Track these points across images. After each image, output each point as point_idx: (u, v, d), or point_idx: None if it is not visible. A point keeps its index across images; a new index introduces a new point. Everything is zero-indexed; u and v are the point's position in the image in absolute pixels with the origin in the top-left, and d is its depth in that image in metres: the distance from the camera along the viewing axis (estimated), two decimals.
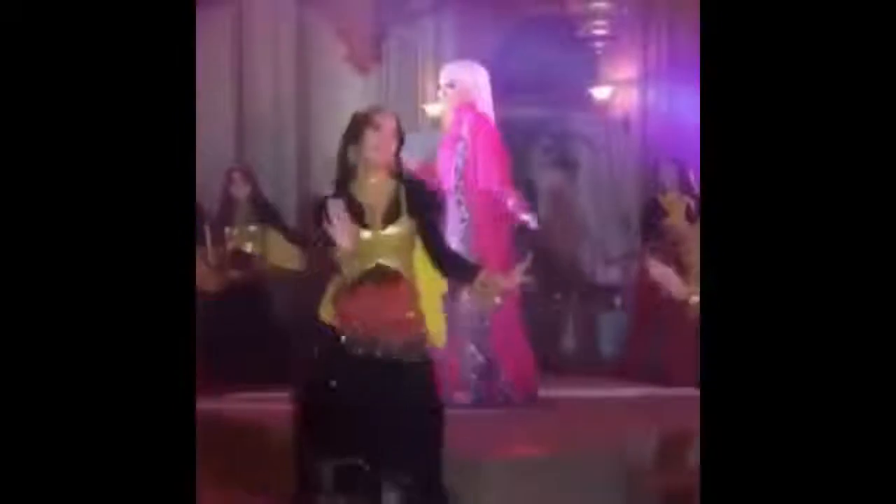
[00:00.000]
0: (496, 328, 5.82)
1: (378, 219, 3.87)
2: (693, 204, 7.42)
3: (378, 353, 3.82)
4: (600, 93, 8.65)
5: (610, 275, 8.16)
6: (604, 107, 8.68)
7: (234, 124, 8.36)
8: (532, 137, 8.74)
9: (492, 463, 4.68)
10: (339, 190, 3.89)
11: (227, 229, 7.25)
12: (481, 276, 3.98)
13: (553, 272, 8.39)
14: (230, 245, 7.24)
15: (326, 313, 3.92)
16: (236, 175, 7.35)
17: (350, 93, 8.37)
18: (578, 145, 8.75)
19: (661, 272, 5.60)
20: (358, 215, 3.84)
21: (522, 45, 8.43)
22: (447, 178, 5.88)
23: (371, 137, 3.85)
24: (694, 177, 7.36)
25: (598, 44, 8.39)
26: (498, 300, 4.14)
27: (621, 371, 7.45)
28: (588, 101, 8.71)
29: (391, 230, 3.88)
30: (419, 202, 3.94)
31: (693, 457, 3.98)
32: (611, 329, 8.47)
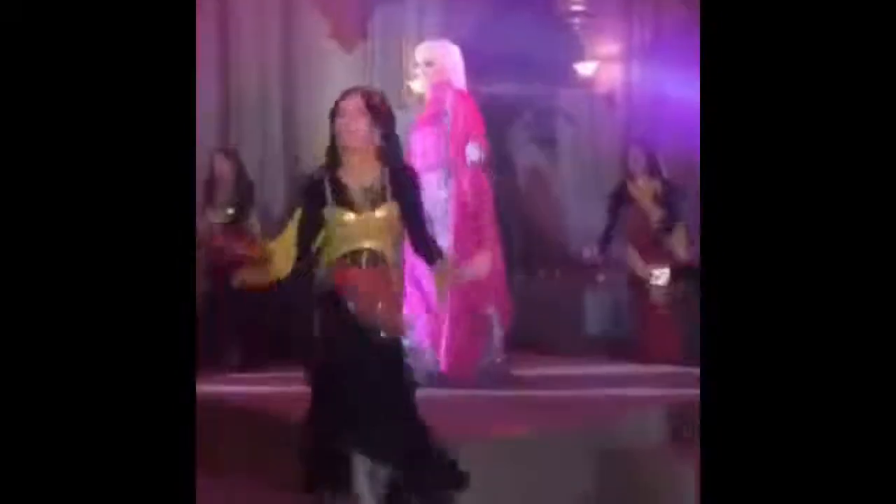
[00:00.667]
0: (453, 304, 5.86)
1: (364, 202, 3.87)
2: (660, 187, 7.46)
3: (369, 333, 3.83)
4: (584, 69, 8.68)
5: (592, 252, 8.18)
6: (587, 83, 8.71)
7: (220, 102, 8.33)
8: (513, 114, 8.76)
9: (468, 444, 4.65)
10: (327, 172, 3.91)
11: (208, 210, 7.22)
12: (441, 263, 4.08)
13: (534, 249, 8.43)
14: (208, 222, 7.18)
15: (323, 283, 3.91)
16: (220, 155, 7.34)
17: (335, 69, 8.38)
18: (560, 122, 8.77)
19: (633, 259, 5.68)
20: (345, 197, 3.86)
21: (506, 22, 8.43)
22: (432, 154, 5.91)
23: (338, 124, 3.87)
24: (662, 159, 7.40)
25: (576, 20, 8.40)
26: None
27: (611, 349, 7.53)
28: (572, 77, 8.73)
29: (377, 214, 3.88)
30: (402, 184, 3.94)
31: (678, 432, 4.02)
32: (594, 307, 8.52)
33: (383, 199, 3.88)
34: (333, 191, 3.87)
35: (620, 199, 7.62)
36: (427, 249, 4.13)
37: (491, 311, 5.99)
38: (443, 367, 5.88)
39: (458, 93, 6.04)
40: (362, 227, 3.86)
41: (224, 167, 7.29)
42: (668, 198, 7.43)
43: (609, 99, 8.65)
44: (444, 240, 5.61)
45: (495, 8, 8.65)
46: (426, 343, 5.92)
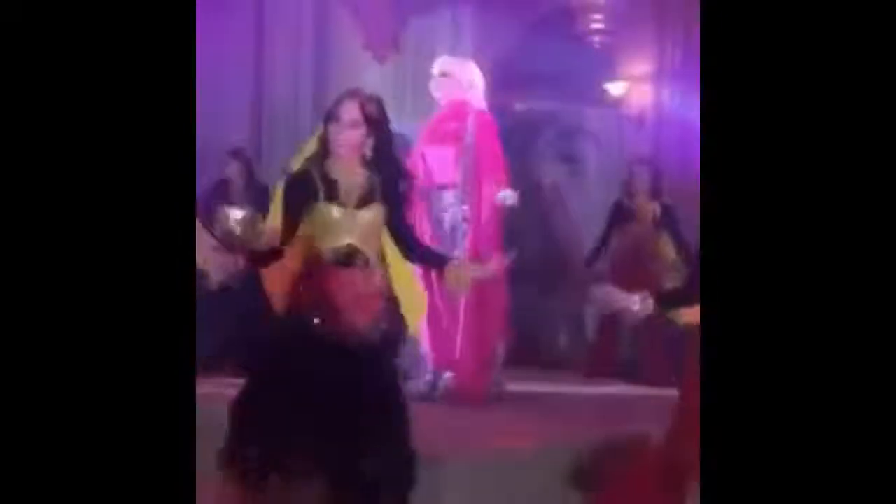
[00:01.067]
0: (465, 321, 5.92)
1: (351, 199, 3.86)
2: (659, 210, 7.40)
3: (346, 336, 3.78)
4: (614, 88, 8.69)
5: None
6: (617, 103, 8.72)
7: (253, 109, 8.43)
8: (541, 131, 8.80)
9: (455, 460, 4.72)
10: (313, 166, 3.88)
11: (218, 210, 7.22)
12: (452, 263, 4.02)
13: (546, 266, 8.43)
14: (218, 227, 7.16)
15: (288, 295, 3.88)
16: (231, 157, 7.39)
17: (368, 80, 8.43)
18: (585, 141, 8.79)
19: (602, 293, 5.72)
20: (331, 192, 3.83)
21: (538, 38, 8.48)
22: (448, 173, 5.93)
23: (332, 128, 3.85)
24: (666, 182, 7.35)
25: (596, 38, 8.41)
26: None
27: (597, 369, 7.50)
28: (601, 96, 8.75)
29: (364, 213, 3.85)
30: (390, 192, 3.92)
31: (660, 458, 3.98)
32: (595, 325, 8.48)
33: (371, 200, 3.86)
34: (324, 186, 3.83)
35: (618, 215, 7.57)
36: (429, 258, 4.15)
37: (498, 332, 6.00)
38: (455, 384, 5.90)
39: (481, 115, 6.06)
40: (348, 223, 3.84)
41: (234, 170, 7.32)
42: (665, 221, 7.35)
43: (639, 119, 8.65)
44: (458, 254, 5.72)
45: (529, 24, 8.69)
46: (437, 359, 5.96)
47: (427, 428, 4.52)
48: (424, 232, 5.85)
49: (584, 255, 7.92)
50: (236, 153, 7.49)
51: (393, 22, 8.58)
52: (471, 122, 5.99)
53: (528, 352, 7.54)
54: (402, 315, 3.98)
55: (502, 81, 8.74)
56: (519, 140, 8.09)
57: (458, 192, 5.95)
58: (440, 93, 6.12)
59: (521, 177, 8.58)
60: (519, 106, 8.85)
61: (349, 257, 3.84)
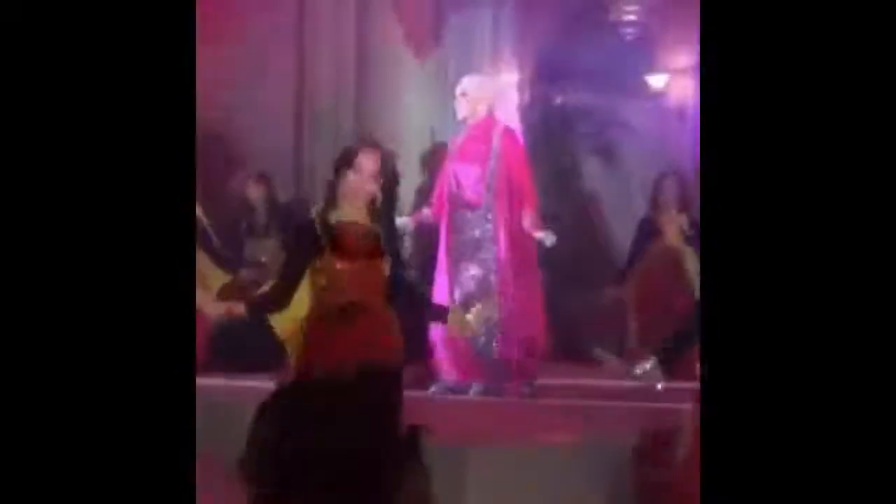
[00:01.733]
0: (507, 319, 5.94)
1: (357, 252, 3.80)
2: (687, 223, 7.18)
3: (346, 384, 3.71)
4: (655, 81, 8.66)
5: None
6: (658, 95, 8.69)
7: (295, 106, 8.49)
8: (579, 124, 8.79)
9: (483, 451, 4.73)
10: (318, 217, 3.83)
11: (244, 238, 7.22)
12: (452, 313, 4.10)
13: (584, 261, 8.40)
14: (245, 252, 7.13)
15: (294, 346, 3.87)
16: (251, 181, 7.38)
17: (409, 75, 8.48)
18: (624, 134, 8.76)
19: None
20: (335, 245, 3.78)
21: (579, 32, 8.48)
22: (473, 191, 5.97)
23: (350, 177, 3.80)
24: (694, 192, 6.98)
25: (629, 30, 8.36)
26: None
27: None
28: (643, 89, 8.72)
29: (368, 263, 3.80)
30: (393, 247, 3.90)
31: (683, 451, 4.00)
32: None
33: (377, 254, 3.81)
34: (327, 236, 3.79)
35: (646, 230, 7.35)
36: (429, 311, 4.29)
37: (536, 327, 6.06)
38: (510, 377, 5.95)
39: (509, 133, 6.14)
40: (353, 278, 3.79)
41: (255, 193, 7.35)
42: (693, 234, 6.98)
43: (680, 112, 8.59)
44: (478, 275, 5.83)
45: (570, 17, 8.68)
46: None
47: (460, 421, 4.59)
48: (451, 251, 5.97)
49: (619, 255, 7.84)
50: (260, 178, 7.45)
51: (433, 18, 8.61)
52: (496, 142, 6.02)
53: (567, 347, 7.52)
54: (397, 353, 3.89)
55: (542, 75, 8.76)
56: (557, 133, 8.09)
57: (483, 212, 5.97)
58: (462, 114, 6.16)
59: (558, 170, 8.65)
60: (558, 99, 8.85)
61: (352, 314, 3.78)
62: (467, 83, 6.19)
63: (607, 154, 8.78)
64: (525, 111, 8.54)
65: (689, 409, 4.04)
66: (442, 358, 5.99)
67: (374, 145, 3.92)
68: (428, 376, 6.00)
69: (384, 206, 3.88)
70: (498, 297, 5.86)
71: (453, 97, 6.23)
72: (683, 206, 7.22)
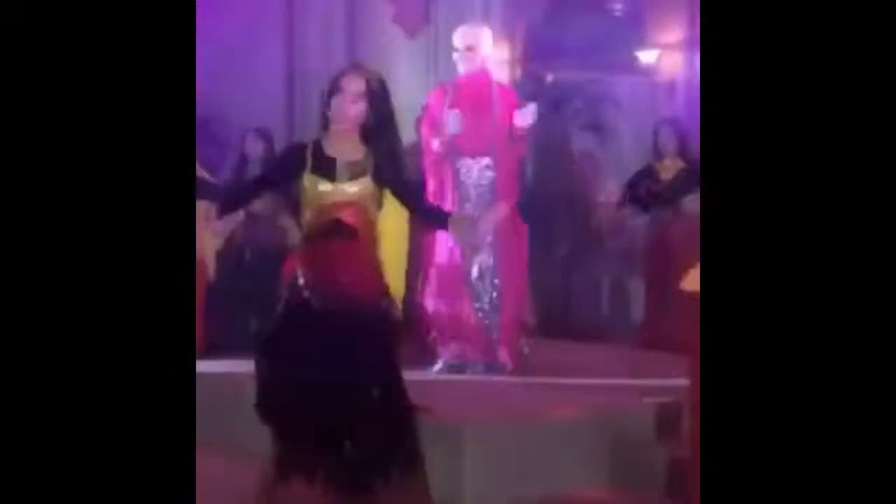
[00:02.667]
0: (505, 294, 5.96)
1: (342, 173, 3.90)
2: (685, 168, 7.31)
3: (337, 308, 3.82)
4: (646, 56, 8.65)
5: (625, 241, 8.17)
6: (649, 71, 8.67)
7: (285, 86, 8.48)
8: (570, 101, 8.78)
9: (475, 429, 4.76)
10: (311, 141, 3.96)
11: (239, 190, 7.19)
12: (453, 216, 4.18)
13: (570, 234, 8.44)
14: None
15: (289, 268, 3.95)
16: (250, 136, 7.36)
17: (398, 55, 8.46)
18: (614, 110, 8.76)
19: None
20: (324, 167, 3.89)
21: (568, 8, 8.46)
22: (478, 141, 5.92)
23: (334, 100, 3.89)
24: (693, 141, 7.14)
25: (619, 5, 8.36)
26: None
27: (637, 338, 7.48)
28: (633, 65, 8.71)
29: (352, 186, 3.89)
30: (389, 162, 3.96)
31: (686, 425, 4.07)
32: (627, 296, 8.50)
33: (362, 174, 3.90)
34: (315, 159, 3.89)
35: (646, 178, 7.53)
36: (433, 216, 4.31)
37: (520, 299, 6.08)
38: (502, 357, 5.96)
39: (502, 88, 6.15)
40: (337, 197, 3.88)
41: (256, 147, 7.37)
42: (689, 179, 7.10)
43: (670, 87, 8.59)
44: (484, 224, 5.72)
45: None
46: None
47: (451, 397, 4.59)
48: (447, 198, 5.91)
49: (613, 225, 7.89)
50: (260, 131, 7.47)
51: None
52: (495, 94, 6.00)
53: (559, 321, 7.55)
54: (387, 286, 4.03)
55: (532, 52, 8.75)
56: (548, 110, 8.07)
57: (488, 161, 5.94)
58: (466, 66, 6.09)
59: (550, 146, 8.65)
60: (549, 76, 8.84)
61: (333, 230, 3.88)
62: (472, 35, 6.11)
63: (599, 131, 8.78)
64: (516, 89, 8.52)
65: (687, 384, 4.08)
66: (445, 336, 5.99)
67: (357, 67, 4.02)
68: (430, 355, 6.00)
69: (378, 127, 3.93)
70: (498, 256, 5.90)
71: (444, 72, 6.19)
72: (683, 154, 7.40)
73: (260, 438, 4.03)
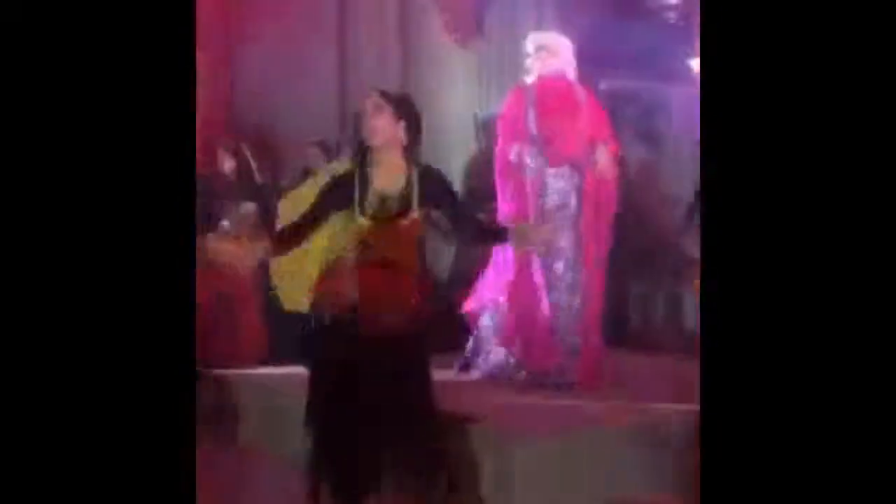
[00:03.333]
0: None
1: (387, 209, 3.84)
2: None
3: (376, 331, 3.79)
4: (697, 65, 8.55)
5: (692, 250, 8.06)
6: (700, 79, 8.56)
7: (338, 99, 8.53)
8: (622, 110, 8.70)
9: (525, 438, 4.71)
10: (358, 171, 3.88)
11: (215, 204, 7.19)
12: (514, 228, 4.03)
13: (638, 244, 8.34)
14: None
15: (329, 291, 3.90)
16: (312, 149, 7.41)
17: (450, 67, 8.46)
18: (668, 119, 8.66)
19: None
20: (369, 201, 3.83)
21: (621, 15, 8.39)
22: (563, 147, 5.78)
23: (363, 124, 3.90)
24: None
25: (672, 13, 8.26)
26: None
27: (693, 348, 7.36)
28: (685, 73, 8.61)
29: (397, 225, 3.83)
30: (434, 191, 3.90)
31: None
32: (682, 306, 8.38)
33: (408, 206, 3.84)
34: (361, 193, 3.84)
35: None
36: (487, 234, 4.22)
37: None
38: (528, 363, 5.84)
39: (587, 90, 5.97)
40: (379, 236, 3.83)
41: (319, 161, 7.32)
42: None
43: None
44: (569, 234, 5.67)
45: (611, 1, 8.60)
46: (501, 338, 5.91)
47: (499, 406, 4.54)
48: (530, 208, 5.75)
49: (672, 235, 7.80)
50: (320, 144, 7.54)
51: (475, 5, 8.58)
52: (580, 97, 5.87)
53: (620, 333, 7.46)
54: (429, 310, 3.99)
55: (585, 60, 8.67)
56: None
57: (570, 167, 5.80)
58: (539, 67, 5.93)
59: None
60: (602, 84, 8.76)
61: (377, 262, 3.84)
62: (543, 38, 6.06)
63: (652, 140, 8.69)
64: None
65: None
66: (525, 349, 5.85)
67: (374, 90, 3.99)
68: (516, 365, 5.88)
69: (413, 146, 3.91)
70: (582, 265, 5.76)
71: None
72: None
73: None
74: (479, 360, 6.00)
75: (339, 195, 3.89)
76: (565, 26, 8.42)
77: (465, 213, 4.16)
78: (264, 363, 6.74)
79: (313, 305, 3.93)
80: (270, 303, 6.77)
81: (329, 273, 3.88)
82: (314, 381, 3.96)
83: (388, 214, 3.84)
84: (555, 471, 4.61)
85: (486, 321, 6.00)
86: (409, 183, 3.87)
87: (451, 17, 8.48)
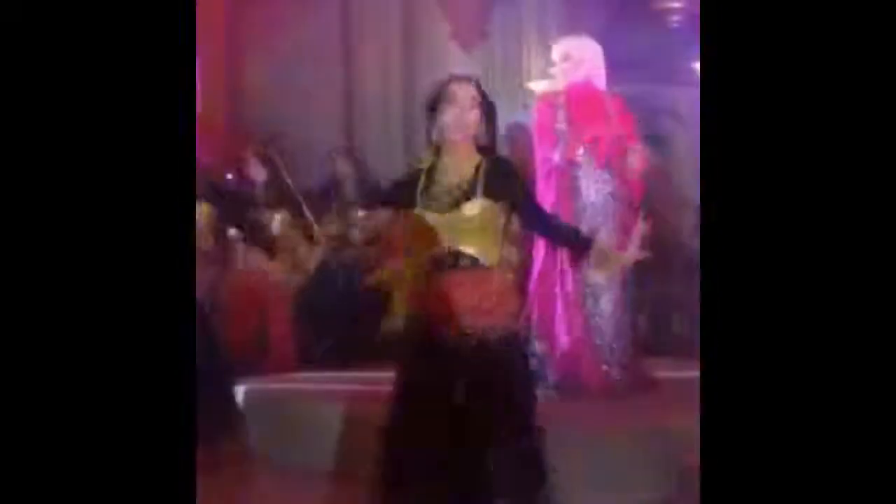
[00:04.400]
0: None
1: (451, 198, 3.57)
2: None
3: (468, 344, 3.54)
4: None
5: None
6: None
7: (344, 104, 8.55)
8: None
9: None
10: (425, 169, 3.63)
11: (246, 212, 7.26)
12: (596, 247, 3.71)
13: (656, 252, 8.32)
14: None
15: (403, 304, 3.84)
16: (339, 157, 7.45)
17: (456, 70, 8.45)
18: (671, 121, 8.66)
19: None
20: (433, 196, 3.58)
21: (625, 19, 8.39)
22: (594, 152, 5.77)
23: (450, 113, 3.58)
24: None
25: (675, 17, 8.26)
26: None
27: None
28: (689, 76, 8.61)
29: (462, 212, 3.54)
30: (503, 182, 3.57)
31: None
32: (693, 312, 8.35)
33: (472, 195, 3.55)
34: (425, 189, 3.60)
35: None
36: (566, 240, 3.89)
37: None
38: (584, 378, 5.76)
39: (614, 98, 5.97)
40: (448, 227, 3.56)
41: (346, 169, 7.38)
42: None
43: None
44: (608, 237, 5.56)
45: (616, 6, 8.60)
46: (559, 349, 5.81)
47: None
48: (566, 210, 5.71)
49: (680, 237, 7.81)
50: (346, 151, 7.53)
51: (480, 9, 8.60)
52: (608, 103, 5.87)
53: (648, 339, 7.44)
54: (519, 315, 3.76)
55: None
56: None
57: (607, 174, 5.77)
58: (563, 78, 5.90)
59: None
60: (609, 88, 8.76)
61: (449, 262, 3.57)
62: (568, 45, 5.99)
63: (658, 143, 8.68)
64: None
65: None
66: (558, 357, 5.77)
67: (466, 78, 3.68)
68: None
69: (491, 137, 3.65)
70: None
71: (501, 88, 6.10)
72: None
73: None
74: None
75: (403, 195, 3.67)
76: (569, 31, 8.46)
77: (541, 211, 3.88)
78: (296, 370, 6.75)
79: (409, 315, 3.72)
80: (301, 311, 6.87)
81: (436, 279, 3.61)
82: (403, 394, 3.64)
83: (452, 205, 3.57)
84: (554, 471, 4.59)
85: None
86: (477, 173, 3.58)
87: (456, 23, 8.49)
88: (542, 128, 5.88)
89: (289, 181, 7.38)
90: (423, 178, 3.62)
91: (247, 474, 5.39)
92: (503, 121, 6.28)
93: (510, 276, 3.77)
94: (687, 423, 4.92)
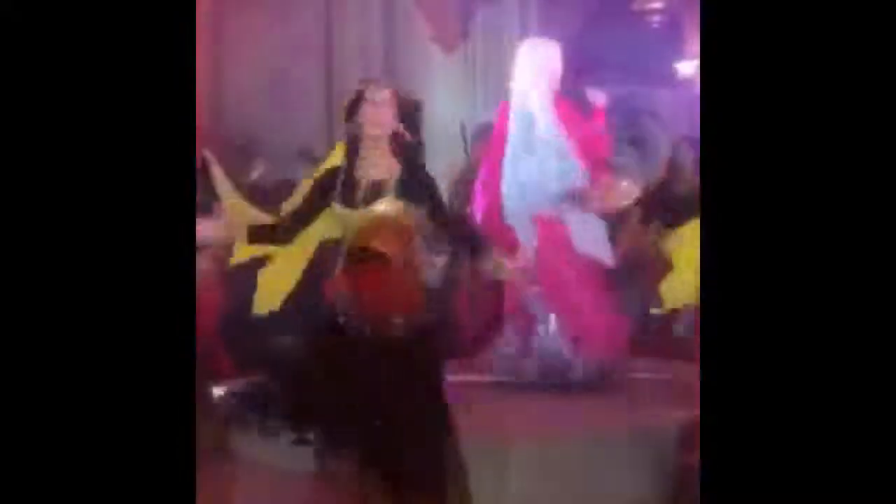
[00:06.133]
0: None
1: (364, 195, 3.74)
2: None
3: (373, 333, 3.70)
4: (685, 68, 8.61)
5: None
6: (688, 83, 8.62)
7: (324, 104, 8.52)
8: (608, 115, 8.71)
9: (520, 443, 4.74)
10: (344, 166, 3.77)
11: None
12: (490, 254, 3.88)
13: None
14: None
15: (330, 289, 3.81)
16: (300, 158, 7.37)
17: (436, 72, 8.47)
18: (651, 122, 8.69)
19: None
20: (350, 191, 3.74)
21: (606, 20, 8.43)
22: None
23: (364, 109, 3.73)
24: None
25: (656, 17, 8.30)
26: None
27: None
28: (671, 77, 8.67)
29: (377, 207, 3.72)
30: (416, 184, 3.77)
31: None
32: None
33: (385, 193, 3.73)
34: (344, 185, 3.76)
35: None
36: (464, 242, 4.04)
37: None
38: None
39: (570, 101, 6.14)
40: (362, 223, 3.70)
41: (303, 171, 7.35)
42: None
43: None
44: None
45: (596, 7, 8.64)
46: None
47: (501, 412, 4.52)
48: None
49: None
50: (304, 153, 7.53)
51: (460, 11, 8.60)
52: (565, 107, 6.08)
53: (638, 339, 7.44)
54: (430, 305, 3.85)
55: (570, 67, 8.70)
56: None
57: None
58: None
59: None
60: (587, 90, 8.78)
61: (362, 256, 3.68)
62: (526, 50, 6.14)
63: (639, 144, 8.70)
64: None
65: None
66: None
67: (380, 80, 3.89)
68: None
69: (408, 143, 3.78)
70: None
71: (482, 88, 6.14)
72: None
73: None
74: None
75: (329, 187, 3.81)
76: (549, 32, 8.48)
77: (447, 213, 4.03)
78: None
79: (331, 304, 3.80)
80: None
81: (347, 270, 3.76)
82: (310, 382, 3.86)
83: (368, 203, 3.73)
84: (555, 471, 4.62)
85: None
86: (394, 175, 3.75)
87: (436, 23, 8.49)
88: (496, 134, 6.04)
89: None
90: (342, 174, 3.77)
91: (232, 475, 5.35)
92: (487, 122, 6.37)
93: (416, 271, 3.81)
94: (687, 422, 5.01)
